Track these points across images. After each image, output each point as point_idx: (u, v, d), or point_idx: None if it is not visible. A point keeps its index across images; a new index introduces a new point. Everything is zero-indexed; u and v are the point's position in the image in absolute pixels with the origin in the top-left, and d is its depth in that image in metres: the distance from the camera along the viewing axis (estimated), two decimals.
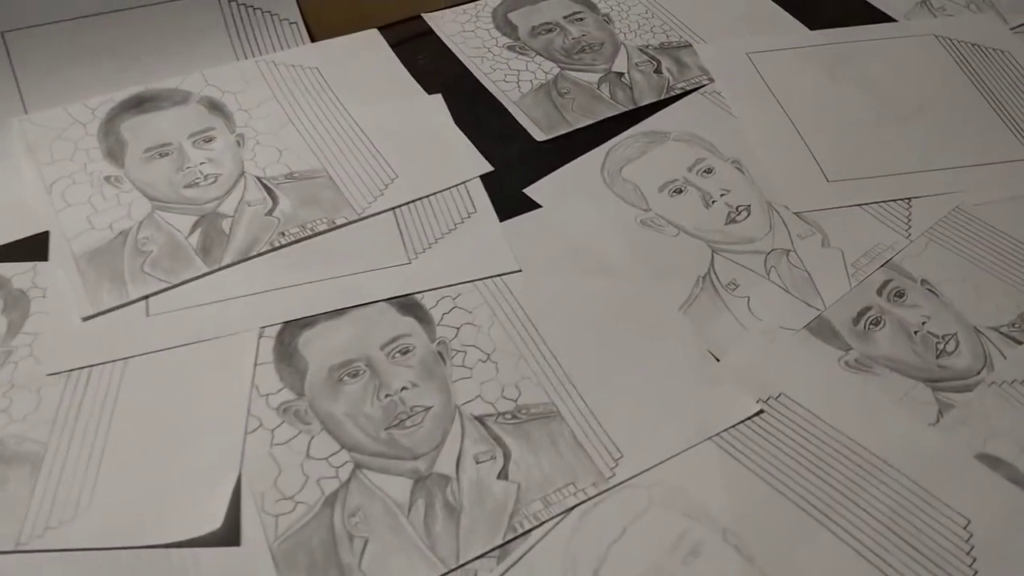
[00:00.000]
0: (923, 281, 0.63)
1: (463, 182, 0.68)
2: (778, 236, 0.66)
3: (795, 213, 0.67)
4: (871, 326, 0.60)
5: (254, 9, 0.78)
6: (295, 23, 0.79)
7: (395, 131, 0.72)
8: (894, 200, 0.69)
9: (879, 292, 0.62)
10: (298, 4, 0.80)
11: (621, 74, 0.78)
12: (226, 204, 0.66)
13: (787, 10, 0.85)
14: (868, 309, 0.61)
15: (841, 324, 0.61)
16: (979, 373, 0.58)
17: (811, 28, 0.83)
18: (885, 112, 0.75)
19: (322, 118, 0.73)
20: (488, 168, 0.70)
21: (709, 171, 0.70)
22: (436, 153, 0.71)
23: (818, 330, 0.60)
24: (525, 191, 0.68)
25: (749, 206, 0.67)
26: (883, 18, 0.85)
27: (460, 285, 0.61)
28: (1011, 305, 0.62)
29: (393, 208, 0.66)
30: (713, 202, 0.68)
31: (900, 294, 0.62)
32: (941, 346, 0.60)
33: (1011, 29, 0.84)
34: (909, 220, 0.67)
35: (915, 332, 0.60)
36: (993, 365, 0.59)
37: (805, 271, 0.63)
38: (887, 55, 0.80)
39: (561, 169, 0.70)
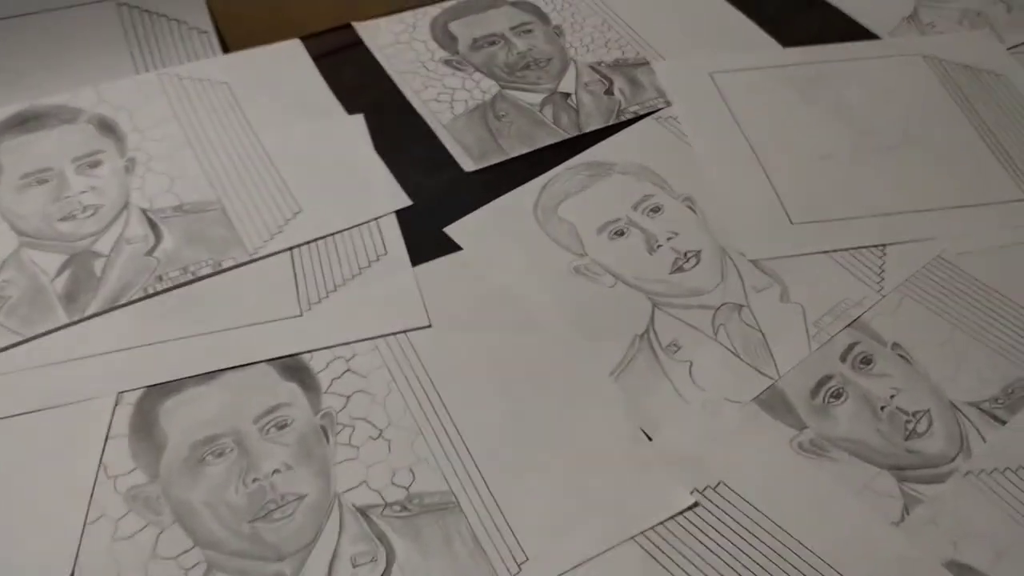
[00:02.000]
0: (895, 345, 0.54)
1: (376, 218, 0.60)
2: (730, 288, 0.57)
3: (752, 261, 0.59)
4: (831, 399, 0.52)
5: (158, 16, 0.70)
6: (206, 32, 0.71)
7: (306, 157, 0.64)
8: (866, 247, 0.60)
9: (843, 358, 0.54)
10: (210, 10, 0.71)
11: (567, 95, 0.70)
12: (102, 241, 0.58)
13: (759, 24, 0.76)
14: (829, 378, 0.53)
15: (797, 396, 0.52)
16: (953, 459, 0.50)
17: (785, 45, 0.74)
18: (862, 143, 0.66)
19: (225, 141, 0.65)
20: (406, 202, 0.61)
21: (656, 210, 0.61)
22: (349, 184, 0.62)
23: (769, 403, 0.52)
24: (446, 230, 0.60)
25: (699, 252, 0.59)
26: (865, 35, 0.76)
27: (357, 343, 0.53)
28: (996, 376, 0.54)
29: (291, 248, 0.58)
30: (659, 246, 0.59)
31: (867, 361, 0.54)
32: (911, 425, 0.51)
33: (1008, 49, 0.75)
34: (882, 271, 0.59)
35: (882, 408, 0.52)
36: (970, 450, 0.50)
37: (759, 331, 0.55)
38: (867, 77, 0.72)
39: (489, 205, 0.61)
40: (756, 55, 0.73)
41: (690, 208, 0.62)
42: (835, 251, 0.60)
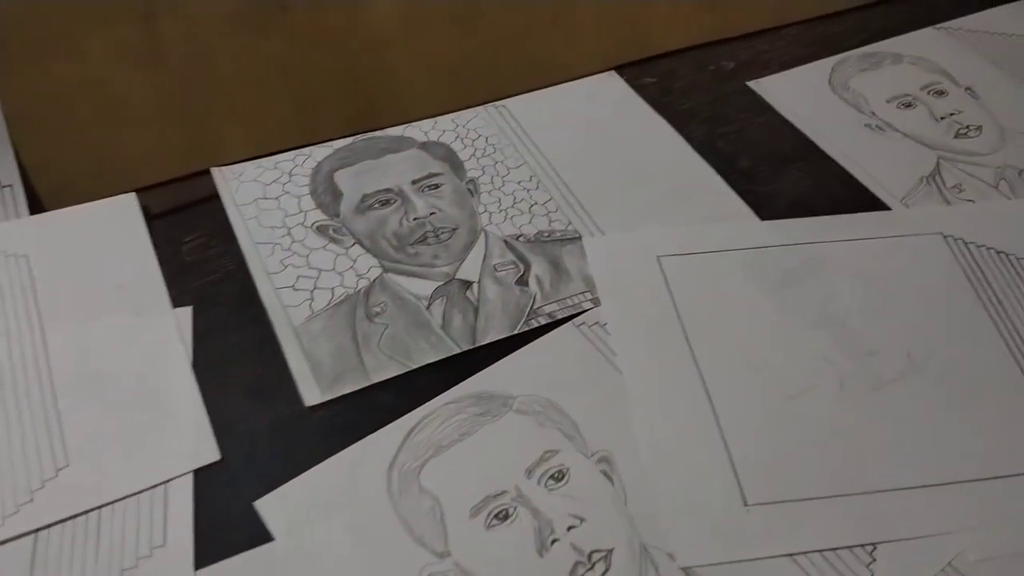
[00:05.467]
0: None
1: (164, 482, 0.43)
2: None
3: (683, 569, 0.41)
4: None
5: None
6: (9, 186, 0.55)
7: (95, 374, 0.47)
8: (849, 547, 0.42)
9: None
10: (17, 158, 0.55)
11: (468, 284, 0.53)
12: None
13: (733, 184, 0.59)
14: None
15: None
16: None
17: (763, 216, 0.57)
18: (853, 372, 0.49)
19: (3, 344, 0.48)
20: (213, 456, 0.44)
21: (558, 477, 0.44)
22: (143, 420, 0.46)
23: None
24: (256, 504, 0.42)
25: (610, 553, 0.41)
26: (870, 201, 0.58)
27: None
28: None
29: (34, 531, 0.41)
30: (553, 542, 0.42)
31: None
32: None
33: None
34: None
35: None
36: None
37: None
38: (867, 267, 0.54)
39: (322, 466, 0.44)
40: (723, 231, 0.56)
41: (606, 475, 0.44)
42: (805, 553, 0.42)
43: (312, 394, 0.47)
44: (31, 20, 0.58)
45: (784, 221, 0.57)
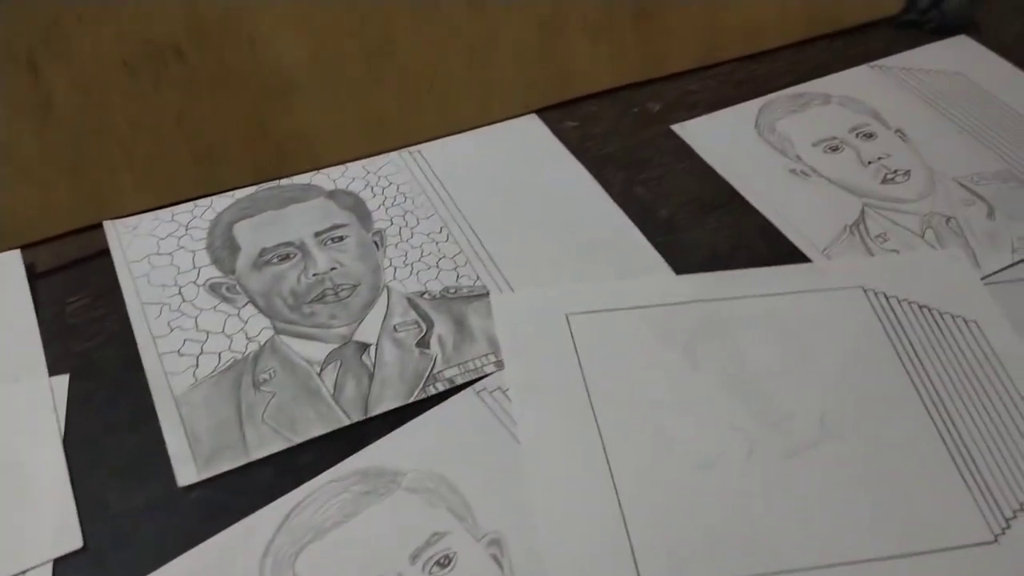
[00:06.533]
0: None
1: (22, 573, 0.40)
2: None
3: None
4: None
5: None
6: None
7: None
8: None
9: None
10: None
11: (366, 346, 0.50)
12: None
13: (650, 235, 0.57)
14: None
15: None
16: None
17: (678, 269, 0.54)
18: (764, 439, 0.46)
19: None
20: (75, 544, 0.41)
21: (444, 563, 0.41)
22: (3, 502, 0.42)
23: None
24: None
25: None
26: (790, 252, 0.56)
27: None
28: None
29: None
30: None
31: None
32: None
33: (983, 279, 0.55)
34: None
35: None
36: None
37: None
38: (781, 323, 0.52)
39: (189, 554, 0.41)
40: (635, 287, 0.54)
41: (495, 559, 0.42)
42: None
43: (187, 473, 0.45)
44: None
45: (699, 275, 0.54)
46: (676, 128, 0.65)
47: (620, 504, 0.44)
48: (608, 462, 0.45)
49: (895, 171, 0.62)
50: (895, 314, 0.53)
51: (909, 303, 0.53)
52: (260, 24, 0.58)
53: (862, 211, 0.59)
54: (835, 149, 0.63)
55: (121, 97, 0.56)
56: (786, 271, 0.55)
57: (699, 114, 0.67)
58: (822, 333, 0.52)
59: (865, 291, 0.54)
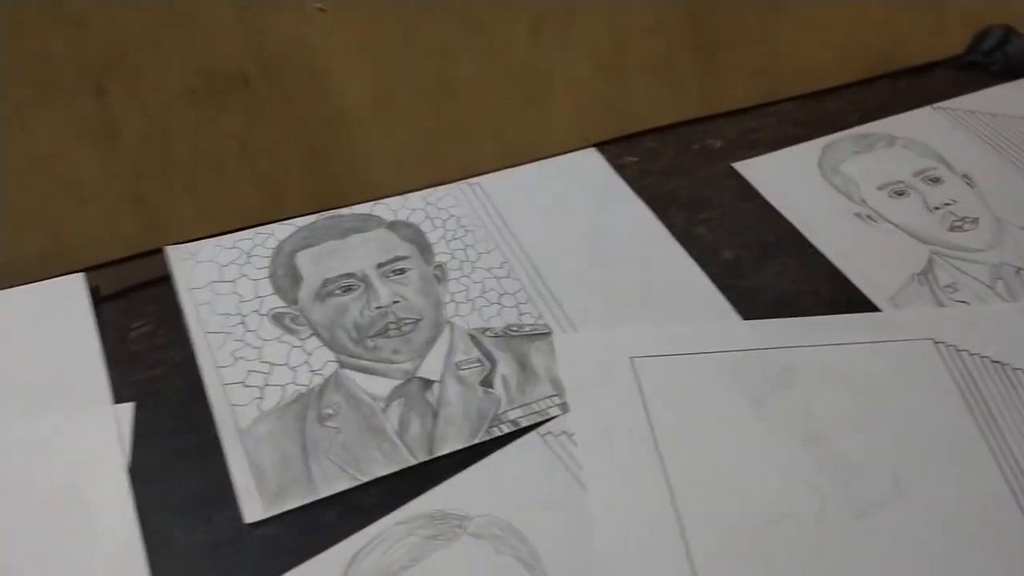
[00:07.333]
0: None
1: None
2: None
3: None
4: None
5: None
6: None
7: (14, 486, 0.44)
8: None
9: None
10: None
11: (429, 384, 0.49)
12: None
13: (714, 278, 0.56)
14: None
15: None
16: None
17: (745, 315, 0.54)
18: (838, 499, 0.45)
19: None
20: None
21: None
22: (65, 538, 0.42)
23: None
24: None
25: None
26: (858, 300, 0.55)
27: None
28: None
29: None
30: None
31: None
32: None
33: None
34: None
35: None
36: None
37: None
38: (850, 375, 0.51)
39: None
40: (702, 331, 0.53)
41: None
42: None
43: (253, 510, 0.44)
44: None
45: (766, 321, 0.54)
46: (738, 166, 0.64)
47: (691, 560, 0.43)
48: (677, 514, 0.44)
49: (963, 218, 0.61)
50: (967, 368, 0.52)
51: (981, 357, 0.52)
52: (324, 56, 0.58)
53: (930, 259, 0.58)
54: (901, 193, 0.62)
55: (185, 124, 0.56)
56: (855, 320, 0.54)
57: (760, 153, 0.66)
58: (892, 386, 0.51)
59: (936, 343, 0.53)
